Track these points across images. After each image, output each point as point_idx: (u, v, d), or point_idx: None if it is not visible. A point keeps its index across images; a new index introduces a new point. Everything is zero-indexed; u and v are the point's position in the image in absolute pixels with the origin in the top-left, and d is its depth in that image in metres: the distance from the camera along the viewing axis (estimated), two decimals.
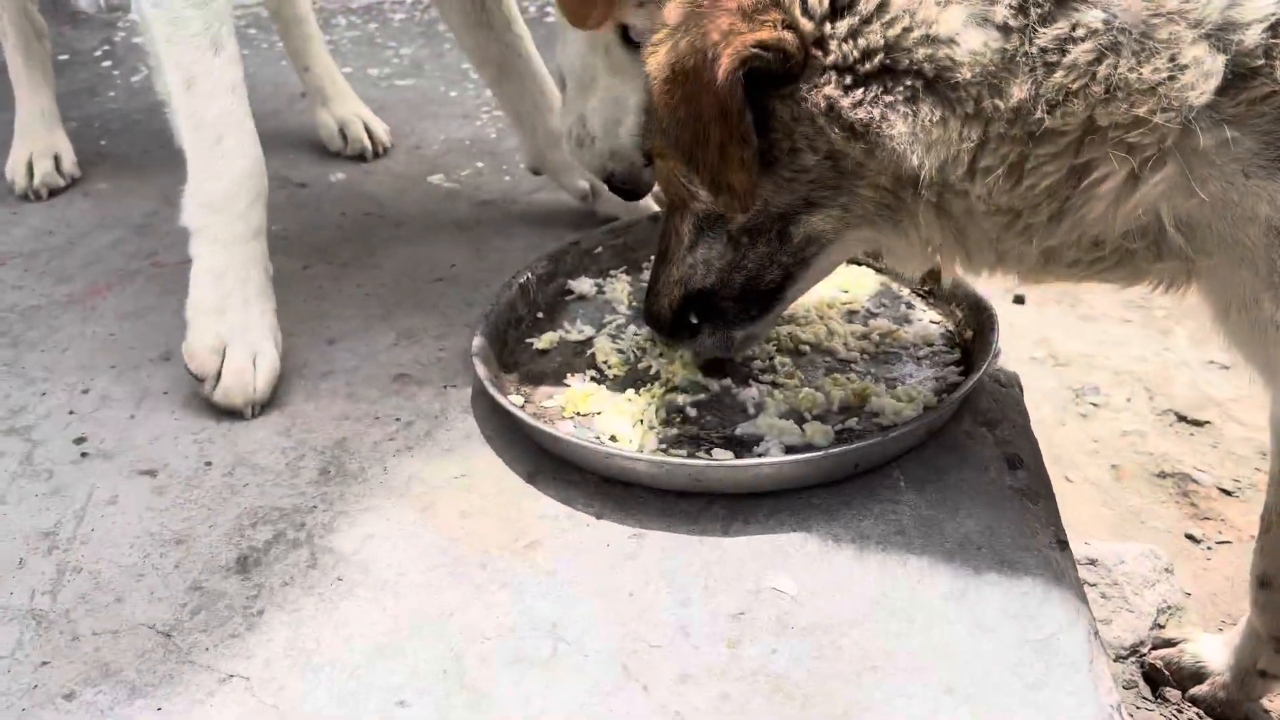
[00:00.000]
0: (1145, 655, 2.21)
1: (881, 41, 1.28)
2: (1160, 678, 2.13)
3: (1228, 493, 2.75)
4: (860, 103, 1.31)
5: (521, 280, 1.98)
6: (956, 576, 1.41)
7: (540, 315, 1.99)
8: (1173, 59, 1.19)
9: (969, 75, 1.25)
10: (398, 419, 1.77)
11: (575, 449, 1.59)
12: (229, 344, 1.76)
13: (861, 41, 1.30)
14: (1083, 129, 1.25)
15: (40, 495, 1.63)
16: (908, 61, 1.28)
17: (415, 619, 1.39)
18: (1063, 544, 1.49)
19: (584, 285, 2.05)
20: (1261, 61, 1.18)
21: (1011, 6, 1.23)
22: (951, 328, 1.87)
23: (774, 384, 1.76)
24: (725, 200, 1.43)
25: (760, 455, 1.60)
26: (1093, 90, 1.22)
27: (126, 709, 1.29)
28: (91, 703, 1.30)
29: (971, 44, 1.24)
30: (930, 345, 1.84)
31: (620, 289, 2.04)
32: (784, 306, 1.63)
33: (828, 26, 1.31)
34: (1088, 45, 1.21)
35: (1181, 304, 1.46)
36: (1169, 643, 2.18)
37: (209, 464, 1.69)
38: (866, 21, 1.29)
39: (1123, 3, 1.20)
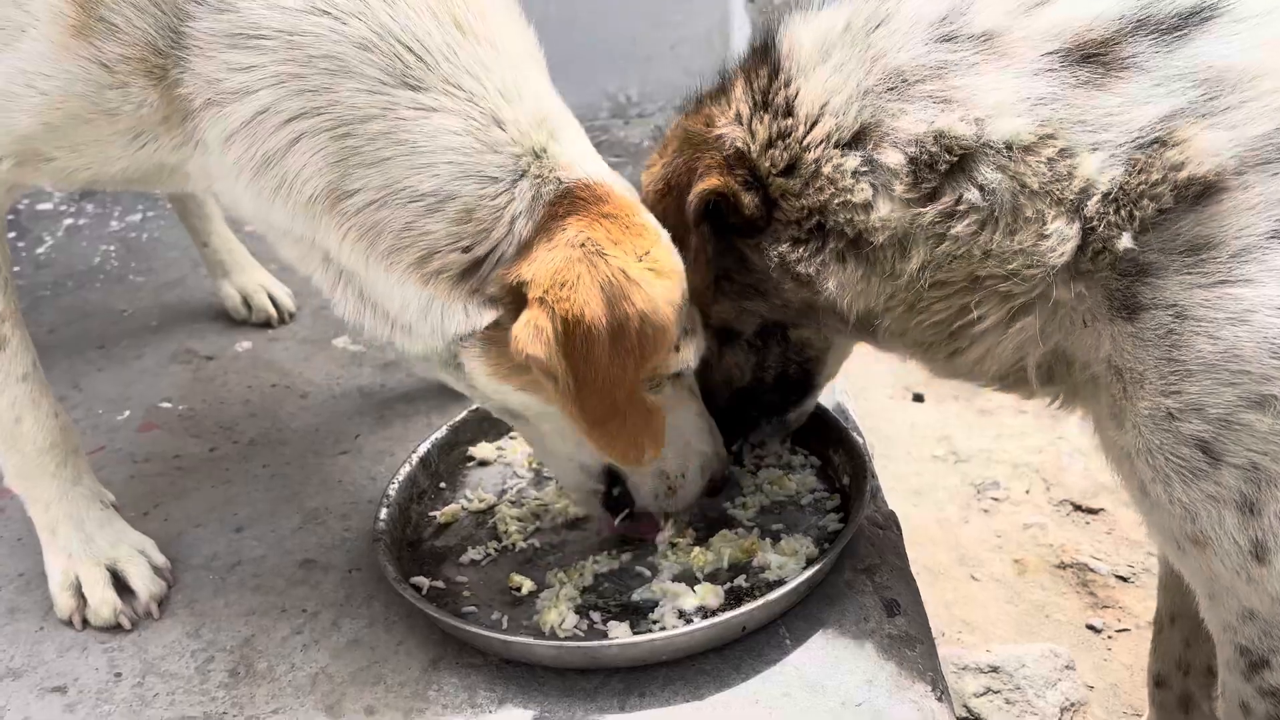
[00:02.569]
0: None
1: (815, 203, 1.52)
2: None
3: (1124, 579, 2.88)
4: (801, 259, 1.56)
5: (421, 453, 2.05)
6: None
7: (442, 485, 2.07)
8: (1038, 231, 1.40)
9: (882, 239, 1.48)
10: (304, 610, 1.82)
11: (475, 637, 1.65)
12: (79, 576, 1.83)
13: (801, 202, 1.53)
14: (966, 280, 1.47)
15: None
16: (833, 222, 1.51)
17: None
18: (940, 692, 1.58)
19: (484, 450, 2.13)
20: (1097, 225, 1.38)
21: (905, 182, 1.44)
22: (830, 473, 1.98)
23: (671, 542, 1.84)
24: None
25: (655, 621, 1.68)
26: (973, 253, 1.44)
27: None
28: None
29: (880, 211, 1.47)
30: (812, 492, 1.94)
31: (519, 451, 2.12)
32: (820, 389, 1.91)
33: (780, 184, 1.55)
34: (969, 220, 1.43)
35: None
36: None
37: (119, 675, 1.72)
38: (805, 184, 1.53)
39: (994, 180, 1.40)
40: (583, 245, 1.48)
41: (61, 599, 1.84)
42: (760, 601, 1.62)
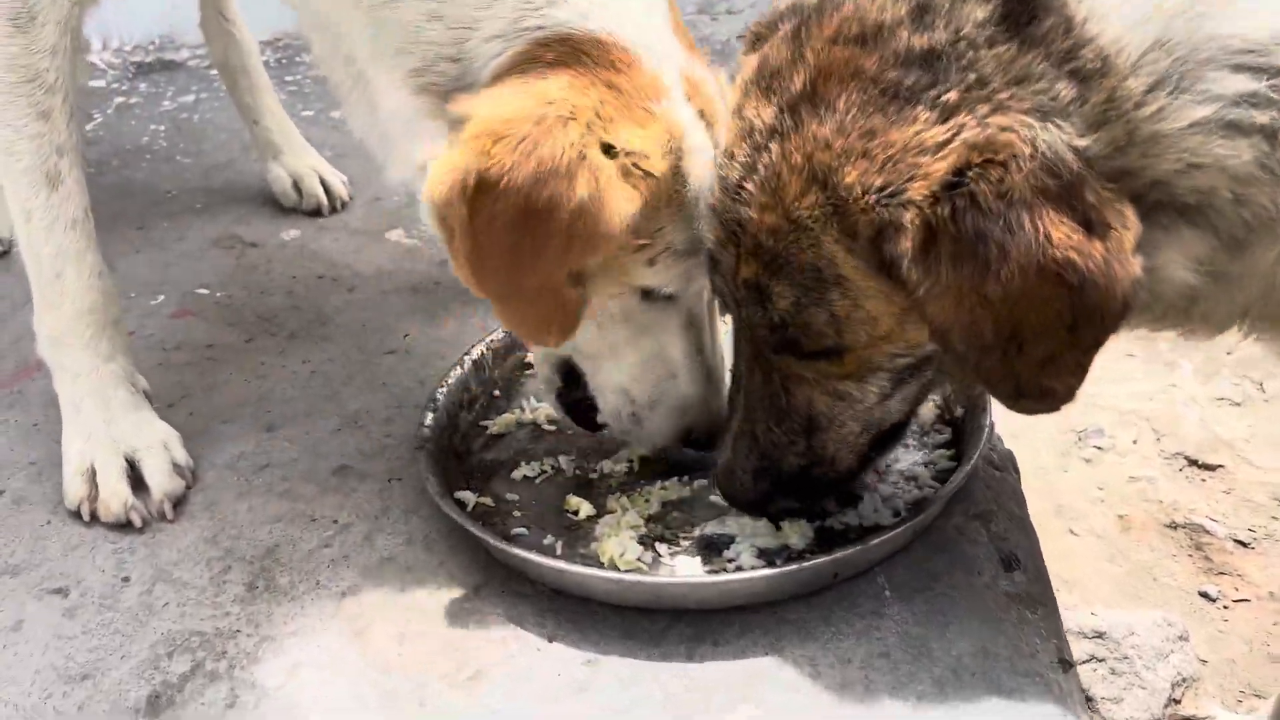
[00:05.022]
0: None
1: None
2: None
3: (1243, 544, 2.59)
4: None
5: (475, 355, 1.83)
6: (949, 711, 1.25)
7: (496, 393, 1.85)
8: None
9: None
10: (335, 521, 1.62)
11: (525, 563, 1.43)
12: (94, 463, 1.66)
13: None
14: None
15: None
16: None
17: None
18: (1066, 663, 1.34)
19: None
20: None
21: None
22: (940, 403, 1.72)
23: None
24: (1028, 404, 1.19)
25: (731, 560, 1.45)
26: None
27: None
28: None
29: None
30: (919, 423, 1.68)
31: None
32: None
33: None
34: None
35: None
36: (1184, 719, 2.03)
37: (126, 580, 1.54)
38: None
39: None
40: (550, 104, 1.29)
41: (73, 484, 1.66)
42: (856, 548, 1.38)
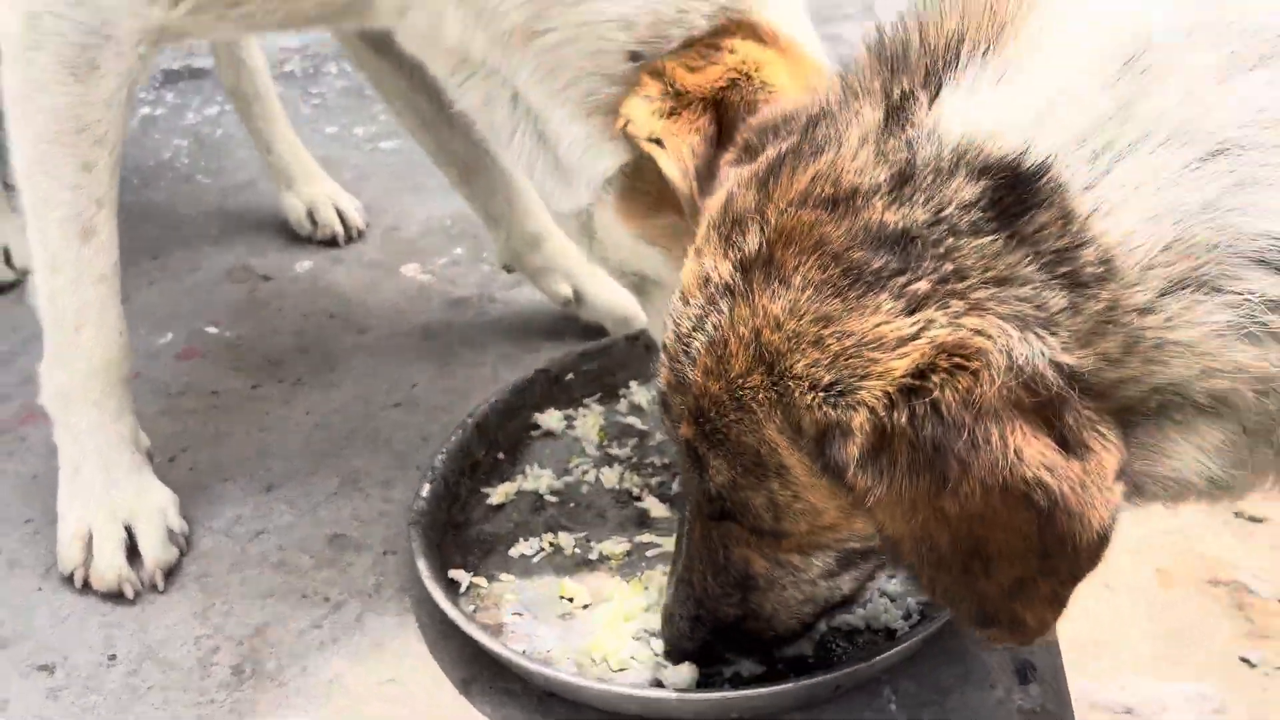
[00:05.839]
0: None
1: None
2: None
3: None
4: None
5: (478, 417, 1.77)
6: None
7: (500, 456, 1.79)
8: None
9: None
10: (327, 599, 1.58)
11: (512, 663, 1.38)
12: (91, 530, 1.63)
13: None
14: None
15: None
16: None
17: None
18: None
19: (551, 419, 1.84)
20: None
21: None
22: None
23: None
24: (995, 633, 1.06)
25: (728, 663, 1.38)
26: None
27: None
28: None
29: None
30: None
31: (591, 424, 1.83)
32: None
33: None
34: None
35: None
36: None
37: (113, 658, 1.51)
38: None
39: None
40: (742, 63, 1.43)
41: (68, 550, 1.64)
42: (861, 665, 1.31)
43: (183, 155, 2.95)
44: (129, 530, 1.64)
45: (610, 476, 1.73)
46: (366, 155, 2.98)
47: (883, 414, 0.97)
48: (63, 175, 1.56)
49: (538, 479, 1.74)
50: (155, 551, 1.62)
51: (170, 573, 1.63)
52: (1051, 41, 1.04)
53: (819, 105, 1.13)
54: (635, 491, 1.71)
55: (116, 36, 1.50)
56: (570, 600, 1.52)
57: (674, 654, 1.36)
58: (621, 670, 1.40)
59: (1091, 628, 2.43)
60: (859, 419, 0.98)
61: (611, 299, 2.06)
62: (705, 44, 1.46)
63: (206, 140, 3.02)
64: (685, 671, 1.36)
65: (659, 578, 1.53)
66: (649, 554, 1.59)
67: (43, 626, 1.57)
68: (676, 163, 1.40)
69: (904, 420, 0.96)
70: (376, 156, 2.96)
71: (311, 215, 2.49)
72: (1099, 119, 0.99)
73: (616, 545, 1.61)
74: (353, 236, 2.51)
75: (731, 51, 1.44)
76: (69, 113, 1.52)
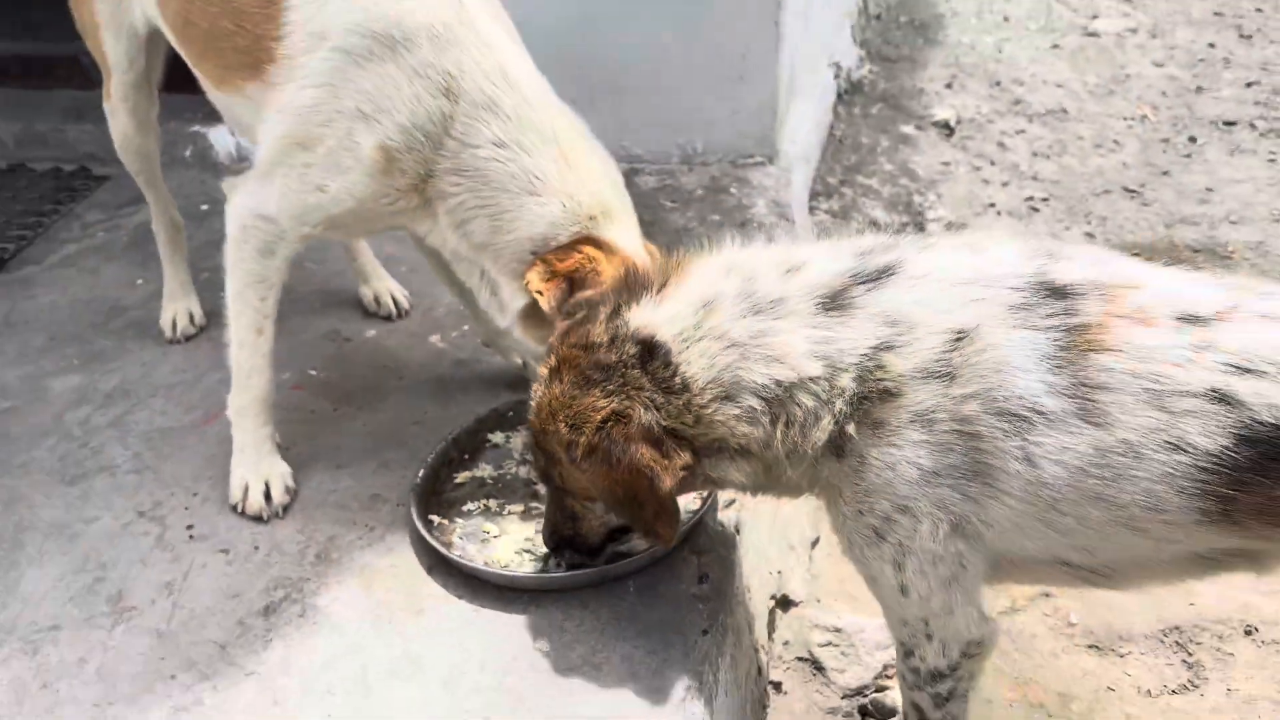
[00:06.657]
0: (867, 696, 3.29)
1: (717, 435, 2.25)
2: (871, 712, 3.21)
3: None
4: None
5: (455, 434, 3.20)
6: (629, 635, 2.57)
7: (466, 456, 3.21)
8: (821, 426, 2.17)
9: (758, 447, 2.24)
10: (368, 525, 3.01)
11: (455, 562, 2.80)
12: (248, 483, 3.06)
13: (709, 437, 2.28)
14: (792, 450, 2.27)
15: (166, 562, 2.93)
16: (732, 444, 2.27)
17: (360, 639, 2.63)
18: (704, 632, 2.62)
19: (498, 437, 3.26)
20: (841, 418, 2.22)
21: (765, 413, 2.22)
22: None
23: None
24: (651, 539, 2.40)
25: (558, 564, 2.78)
26: (798, 439, 2.21)
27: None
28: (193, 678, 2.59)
29: (757, 433, 2.24)
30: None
31: (518, 442, 3.24)
32: None
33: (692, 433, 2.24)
34: (797, 424, 2.23)
35: None
36: (881, 689, 3.26)
37: (257, 548, 2.96)
38: (707, 428, 2.27)
39: (807, 401, 2.21)
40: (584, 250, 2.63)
41: (236, 492, 3.06)
42: (616, 565, 2.70)
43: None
44: (266, 484, 3.08)
45: (523, 472, 3.13)
46: (416, 258, 4.44)
47: (591, 437, 2.35)
48: (249, 301, 3.00)
49: (484, 470, 3.15)
50: (279, 496, 3.05)
51: (286, 508, 3.07)
52: (680, 292, 2.41)
53: (598, 297, 2.54)
54: (534, 480, 3.10)
55: (286, 239, 2.93)
56: (489, 534, 2.94)
57: (548, 551, 2.74)
58: (505, 567, 2.81)
59: (831, 582, 3.76)
60: (582, 439, 2.35)
61: None
62: (569, 246, 2.57)
63: (314, 243, 4.48)
64: (539, 566, 2.77)
65: (537, 524, 2.94)
66: (534, 512, 3.00)
67: (223, 531, 3.03)
68: (548, 304, 2.50)
69: (599, 440, 2.35)
70: (421, 261, 4.43)
71: (376, 299, 3.94)
72: (688, 325, 2.35)
73: (518, 506, 3.02)
74: (401, 314, 3.94)
75: (580, 252, 2.59)
76: (258, 274, 2.97)
